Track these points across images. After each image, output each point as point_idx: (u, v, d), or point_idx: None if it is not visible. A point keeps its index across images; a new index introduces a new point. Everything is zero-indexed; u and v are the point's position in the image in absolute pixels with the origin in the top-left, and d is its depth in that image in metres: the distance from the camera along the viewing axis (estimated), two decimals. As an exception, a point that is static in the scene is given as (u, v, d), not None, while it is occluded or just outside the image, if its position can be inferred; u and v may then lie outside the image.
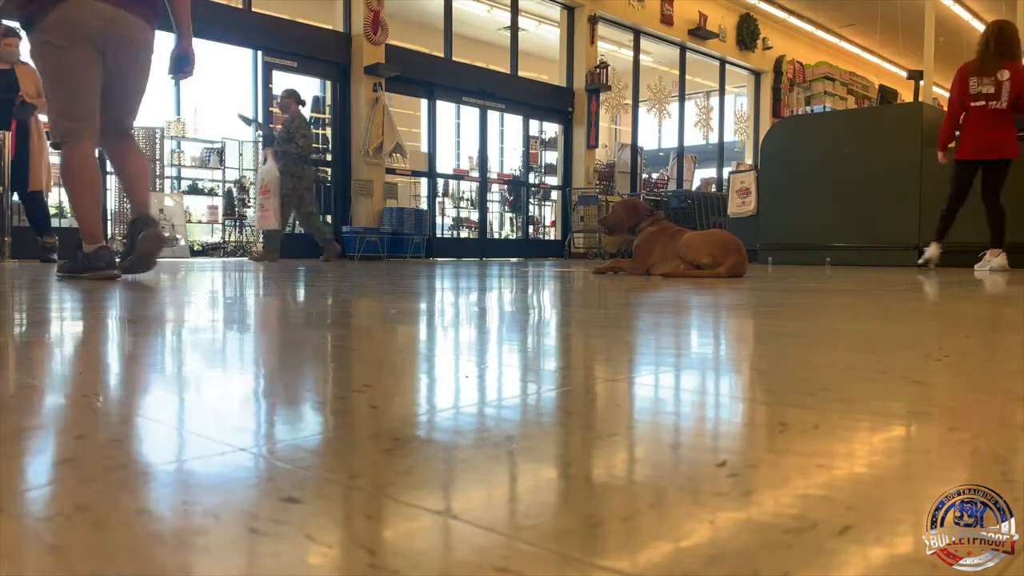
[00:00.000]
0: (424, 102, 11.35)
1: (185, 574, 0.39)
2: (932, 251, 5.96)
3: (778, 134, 8.60)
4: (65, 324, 1.75)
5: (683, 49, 14.60)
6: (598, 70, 12.74)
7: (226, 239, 10.38)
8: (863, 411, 0.82)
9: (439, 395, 0.94)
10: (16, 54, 6.55)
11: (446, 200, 12.23)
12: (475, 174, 12.31)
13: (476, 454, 0.63)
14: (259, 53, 9.59)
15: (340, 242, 9.88)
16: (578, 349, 1.40)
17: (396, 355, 1.30)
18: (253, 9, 9.50)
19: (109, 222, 8.75)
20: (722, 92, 15.82)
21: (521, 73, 12.42)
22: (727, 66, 15.64)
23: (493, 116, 12.39)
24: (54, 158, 6.63)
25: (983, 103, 5.60)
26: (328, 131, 10.44)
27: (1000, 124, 5.57)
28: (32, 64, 6.71)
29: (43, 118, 6.57)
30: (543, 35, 13.85)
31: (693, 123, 15.52)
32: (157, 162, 9.51)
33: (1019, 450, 0.67)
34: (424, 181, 11.56)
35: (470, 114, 12.19)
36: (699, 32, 14.32)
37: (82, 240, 3.53)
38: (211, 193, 10.54)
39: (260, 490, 0.53)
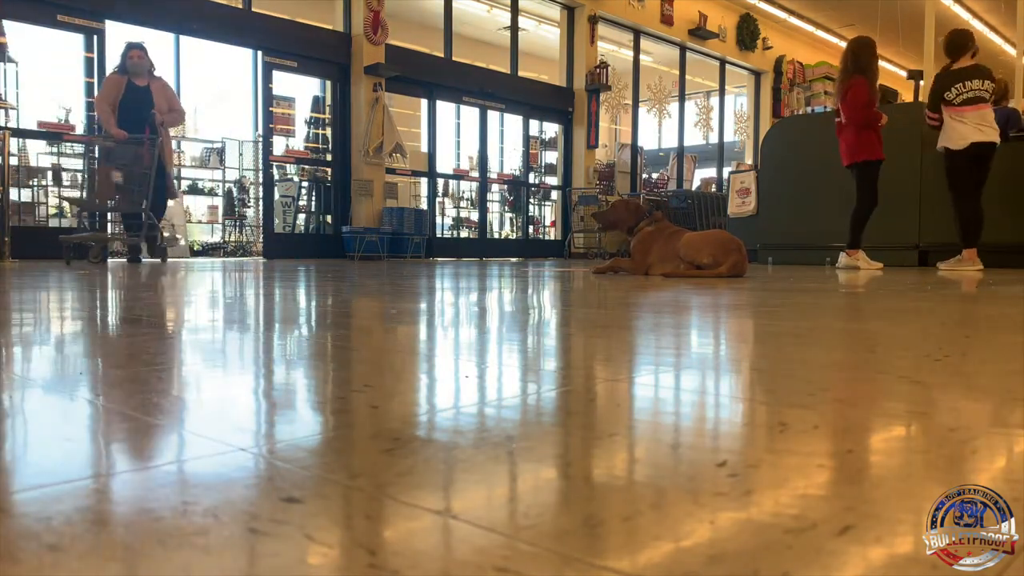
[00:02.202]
0: (424, 102, 11.34)
1: (185, 574, 0.39)
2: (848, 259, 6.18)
3: (778, 134, 8.59)
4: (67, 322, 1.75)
5: (683, 49, 14.59)
6: (598, 70, 12.73)
7: (226, 239, 10.39)
8: (863, 411, 0.82)
9: (439, 395, 0.94)
10: (145, 65, 6.42)
11: (446, 200, 12.22)
12: (475, 174, 12.30)
13: (476, 454, 0.63)
14: (259, 53, 9.59)
15: (340, 242, 9.88)
16: (578, 349, 1.40)
17: (396, 355, 1.30)
18: (253, 9, 9.50)
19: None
20: (722, 92, 15.81)
21: (521, 73, 12.41)
22: (727, 66, 15.63)
23: (493, 116, 12.38)
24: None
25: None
26: (328, 131, 10.44)
27: (841, 133, 6.17)
28: (163, 78, 6.64)
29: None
30: (543, 35, 13.84)
31: (693, 123, 15.51)
32: (157, 162, 9.52)
33: (1019, 450, 0.67)
34: (424, 181, 11.56)
35: (470, 114, 12.18)
36: (699, 32, 14.31)
37: None
38: (211, 193, 10.54)
39: (260, 490, 0.53)
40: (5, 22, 7.71)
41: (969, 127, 5.81)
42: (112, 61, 8.31)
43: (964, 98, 5.88)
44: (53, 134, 8.25)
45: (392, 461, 0.60)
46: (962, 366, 1.18)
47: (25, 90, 8.01)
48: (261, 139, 9.86)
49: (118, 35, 8.48)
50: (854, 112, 5.97)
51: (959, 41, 6.05)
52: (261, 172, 10.03)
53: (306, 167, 10.42)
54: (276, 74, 9.72)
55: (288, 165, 10.33)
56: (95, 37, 8.23)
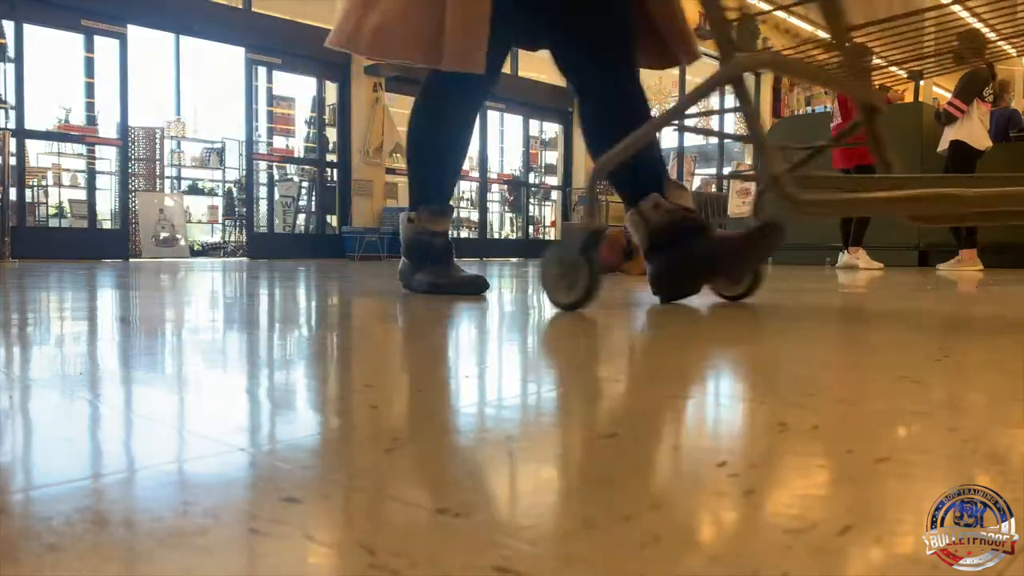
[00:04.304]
0: (424, 102, 11.34)
1: (185, 574, 0.39)
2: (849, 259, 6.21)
3: (778, 134, 8.60)
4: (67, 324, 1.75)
5: (683, 49, 14.59)
6: (598, 70, 12.72)
7: (226, 239, 10.39)
8: (863, 411, 0.82)
9: (439, 395, 0.94)
10: None
11: (446, 200, 12.23)
12: (475, 174, 12.30)
13: (476, 454, 0.63)
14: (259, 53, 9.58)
15: (340, 242, 9.89)
16: (578, 349, 1.40)
17: (396, 355, 1.30)
18: (253, 9, 9.49)
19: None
20: (722, 92, 15.80)
21: (521, 73, 12.41)
22: (727, 66, 15.62)
23: (493, 116, 12.38)
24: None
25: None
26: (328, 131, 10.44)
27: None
28: None
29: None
30: (543, 35, 13.83)
31: (693, 123, 15.50)
32: (157, 162, 9.51)
33: (1019, 450, 0.67)
34: (424, 181, 11.56)
35: (470, 114, 12.19)
36: (699, 32, 14.21)
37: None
38: (211, 193, 10.55)
39: (260, 490, 0.53)
40: (4, 22, 7.72)
41: (983, 129, 5.81)
42: (140, 65, 8.27)
43: (991, 99, 5.90)
44: (53, 134, 8.26)
45: (392, 461, 0.60)
46: (963, 366, 1.18)
47: (25, 90, 8.02)
48: (259, 140, 9.84)
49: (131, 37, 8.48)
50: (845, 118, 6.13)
51: (982, 43, 6.05)
52: (263, 172, 10.03)
53: (306, 167, 10.42)
54: (276, 74, 9.72)
55: (288, 165, 10.33)
56: (94, 37, 8.23)
